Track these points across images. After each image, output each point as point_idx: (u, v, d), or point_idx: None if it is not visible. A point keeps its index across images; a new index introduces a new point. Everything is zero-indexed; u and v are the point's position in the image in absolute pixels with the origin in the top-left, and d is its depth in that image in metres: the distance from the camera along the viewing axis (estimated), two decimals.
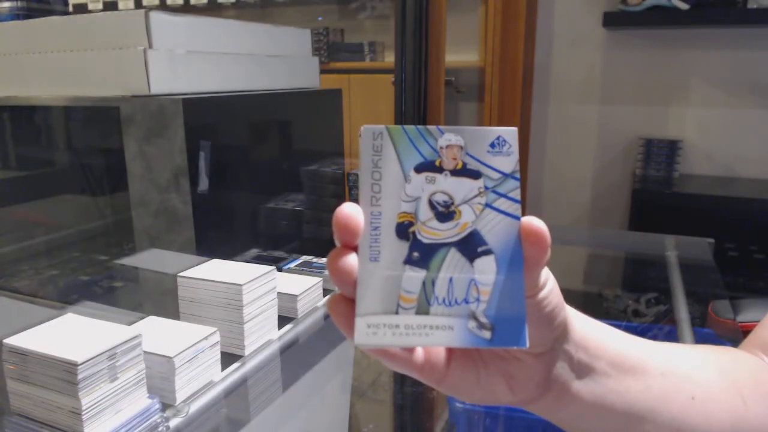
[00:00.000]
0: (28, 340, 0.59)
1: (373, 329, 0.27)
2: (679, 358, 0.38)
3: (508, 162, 0.29)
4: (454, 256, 0.28)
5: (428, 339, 0.27)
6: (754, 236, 2.04)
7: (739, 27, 2.15)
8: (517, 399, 0.33)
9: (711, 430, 0.36)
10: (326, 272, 1.03)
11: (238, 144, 1.02)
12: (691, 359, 0.39)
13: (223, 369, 0.75)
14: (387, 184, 0.28)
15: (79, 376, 0.55)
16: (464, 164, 0.28)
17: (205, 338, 0.71)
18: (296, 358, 0.86)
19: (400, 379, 0.96)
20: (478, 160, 0.28)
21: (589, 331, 0.35)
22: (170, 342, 0.69)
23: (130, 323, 0.73)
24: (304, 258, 1.07)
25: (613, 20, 2.23)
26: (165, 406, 0.67)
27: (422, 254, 0.28)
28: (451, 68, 2.43)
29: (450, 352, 0.31)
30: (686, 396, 0.36)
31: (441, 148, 0.28)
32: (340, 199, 1.30)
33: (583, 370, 0.34)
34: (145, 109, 0.87)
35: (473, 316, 0.27)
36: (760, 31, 2.12)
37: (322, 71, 1.32)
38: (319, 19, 2.98)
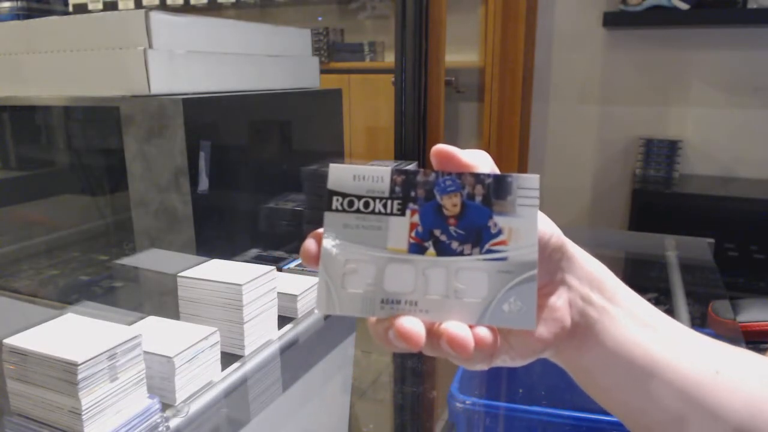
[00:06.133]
0: (28, 340, 0.59)
1: None
2: (708, 339, 0.39)
3: None
4: None
5: None
6: (754, 236, 2.04)
7: (739, 27, 2.15)
8: (548, 341, 0.34)
9: (727, 409, 0.35)
10: None
11: (238, 144, 1.02)
12: (718, 343, 0.39)
13: (223, 369, 0.75)
14: None
15: (79, 376, 0.55)
16: None
17: (205, 338, 0.71)
18: (296, 358, 0.86)
19: (400, 379, 0.96)
20: None
21: (600, 271, 0.37)
22: (170, 342, 0.69)
23: (130, 323, 0.73)
24: None
25: (613, 20, 2.23)
26: (165, 406, 0.67)
27: None
28: (451, 68, 2.43)
29: None
30: (711, 369, 0.36)
31: None
32: None
33: (601, 312, 0.36)
34: (145, 109, 0.87)
35: None
36: (760, 31, 2.12)
37: (322, 71, 1.32)
38: (319, 19, 2.98)
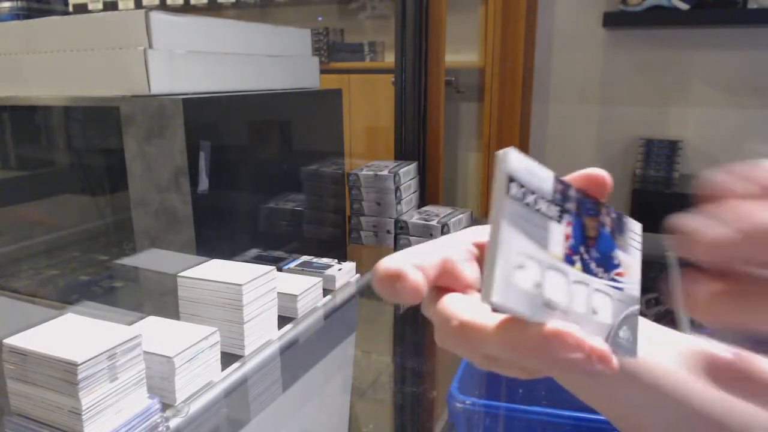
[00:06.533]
0: (28, 340, 0.59)
1: None
2: (675, 331, 0.39)
3: None
4: None
5: None
6: None
7: (739, 27, 2.15)
8: None
9: (698, 397, 0.36)
10: (326, 272, 1.03)
11: (238, 144, 1.02)
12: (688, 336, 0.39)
13: (223, 369, 0.75)
14: None
15: (79, 376, 0.55)
16: None
17: (205, 338, 0.72)
18: (296, 358, 0.86)
19: (400, 379, 0.96)
20: None
21: None
22: (170, 342, 0.69)
23: (130, 323, 0.73)
24: (304, 258, 1.07)
25: (613, 20, 2.23)
26: (165, 406, 0.67)
27: None
28: (451, 68, 2.43)
29: None
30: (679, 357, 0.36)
31: None
32: (340, 199, 1.30)
33: None
34: (145, 109, 0.87)
35: None
36: (760, 31, 2.12)
37: (322, 71, 1.32)
38: (319, 19, 2.98)
